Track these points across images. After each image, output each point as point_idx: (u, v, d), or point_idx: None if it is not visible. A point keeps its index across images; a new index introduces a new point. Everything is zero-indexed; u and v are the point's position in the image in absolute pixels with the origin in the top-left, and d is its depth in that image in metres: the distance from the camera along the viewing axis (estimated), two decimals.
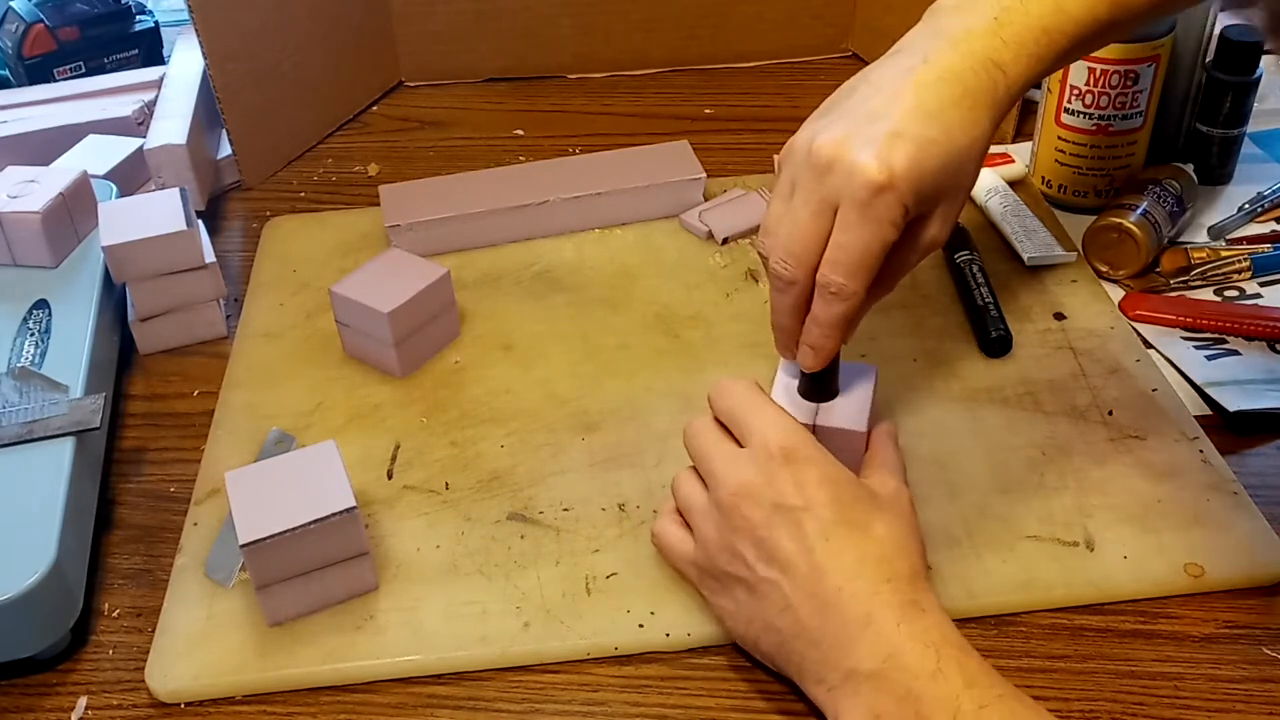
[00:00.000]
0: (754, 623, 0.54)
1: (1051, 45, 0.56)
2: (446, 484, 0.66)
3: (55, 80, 1.01)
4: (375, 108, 1.05)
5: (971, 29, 0.55)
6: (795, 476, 0.53)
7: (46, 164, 0.84)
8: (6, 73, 1.03)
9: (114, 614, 0.61)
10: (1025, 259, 0.79)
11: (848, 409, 0.60)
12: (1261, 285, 0.78)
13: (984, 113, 0.54)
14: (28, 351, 0.69)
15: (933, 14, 0.58)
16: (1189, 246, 0.79)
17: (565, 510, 0.64)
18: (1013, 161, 0.89)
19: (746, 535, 0.53)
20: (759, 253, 0.58)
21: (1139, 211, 0.79)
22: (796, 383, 0.60)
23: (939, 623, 0.50)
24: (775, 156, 0.60)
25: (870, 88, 0.55)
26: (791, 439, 0.54)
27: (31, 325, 0.71)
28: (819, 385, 0.59)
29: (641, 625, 0.58)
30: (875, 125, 0.53)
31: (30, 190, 0.76)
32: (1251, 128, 0.88)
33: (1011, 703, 0.47)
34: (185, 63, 0.97)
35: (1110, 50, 0.79)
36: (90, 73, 1.02)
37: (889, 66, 0.56)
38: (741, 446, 0.55)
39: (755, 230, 0.82)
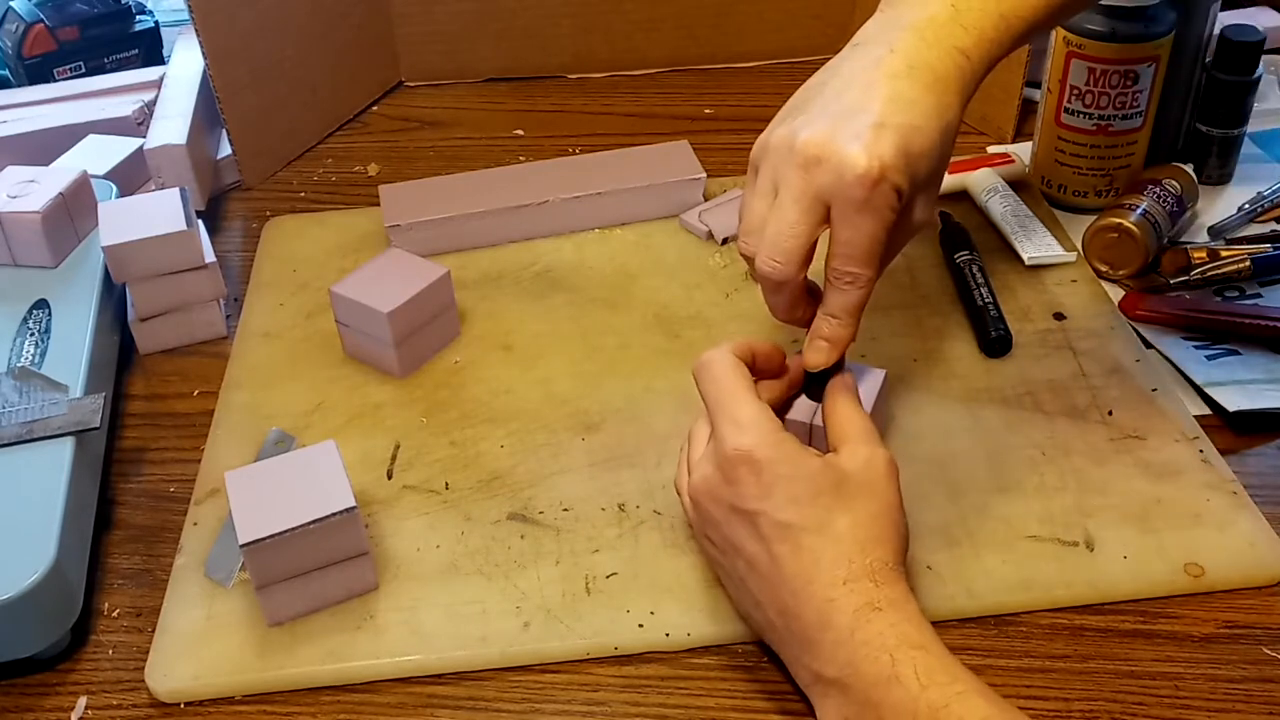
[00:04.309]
0: (741, 604, 0.56)
1: (1009, 30, 0.57)
2: (446, 484, 0.66)
3: (55, 80, 1.01)
4: (375, 108, 1.05)
5: (933, 17, 0.56)
6: (752, 477, 0.52)
7: (46, 164, 0.84)
8: (6, 73, 1.03)
9: (114, 614, 0.61)
10: (1025, 259, 0.79)
11: None
12: (1261, 285, 0.78)
13: (954, 97, 0.56)
14: (28, 351, 0.69)
15: (890, 4, 0.59)
16: (1189, 246, 0.79)
17: (565, 510, 0.64)
18: (1013, 161, 0.89)
19: (713, 529, 0.54)
20: (742, 254, 0.58)
21: (1139, 211, 0.79)
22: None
23: (895, 623, 0.49)
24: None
25: (842, 82, 0.56)
26: (748, 440, 0.52)
27: (31, 325, 0.71)
28: (825, 385, 0.59)
29: (641, 625, 0.58)
30: (857, 119, 0.53)
31: (30, 190, 0.76)
32: (1251, 128, 0.88)
33: (972, 698, 0.47)
34: (185, 63, 0.97)
35: (1110, 50, 0.79)
36: (90, 73, 1.02)
37: (856, 59, 0.57)
38: None
39: None
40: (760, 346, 0.58)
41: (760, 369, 0.58)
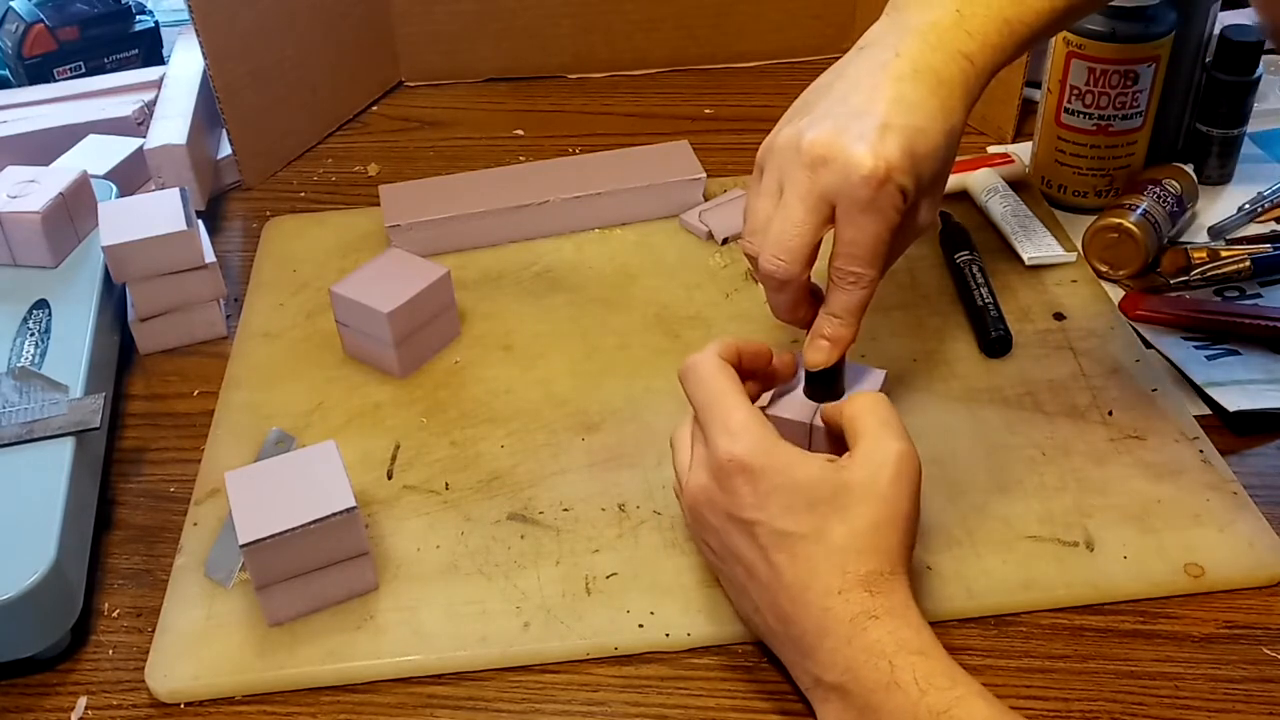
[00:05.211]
0: (741, 608, 0.55)
1: (1013, 35, 0.58)
2: (446, 484, 0.66)
3: (55, 80, 1.01)
4: (375, 108, 1.05)
5: (937, 22, 0.57)
6: (747, 486, 0.51)
7: (46, 164, 0.84)
8: (6, 73, 1.03)
9: (114, 614, 0.61)
10: (1025, 259, 0.79)
11: None
12: (1261, 285, 0.78)
13: (958, 101, 0.56)
14: (28, 351, 0.69)
15: (896, 8, 0.59)
16: (1189, 246, 0.79)
17: (565, 510, 0.64)
18: (1013, 161, 0.89)
19: (711, 535, 0.54)
20: (746, 254, 0.58)
21: (1139, 211, 0.79)
22: (801, 385, 0.60)
23: (894, 630, 0.49)
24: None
25: (848, 84, 0.56)
26: (740, 447, 0.52)
27: (31, 325, 0.71)
28: (825, 385, 0.59)
29: (641, 625, 0.58)
30: (863, 120, 0.54)
31: (30, 190, 0.76)
32: (1251, 128, 0.88)
33: (972, 702, 0.47)
34: (185, 63, 0.97)
35: (1110, 50, 0.79)
36: (90, 73, 1.02)
37: (862, 62, 0.57)
38: None
39: None
40: (747, 346, 0.57)
41: (747, 368, 0.57)
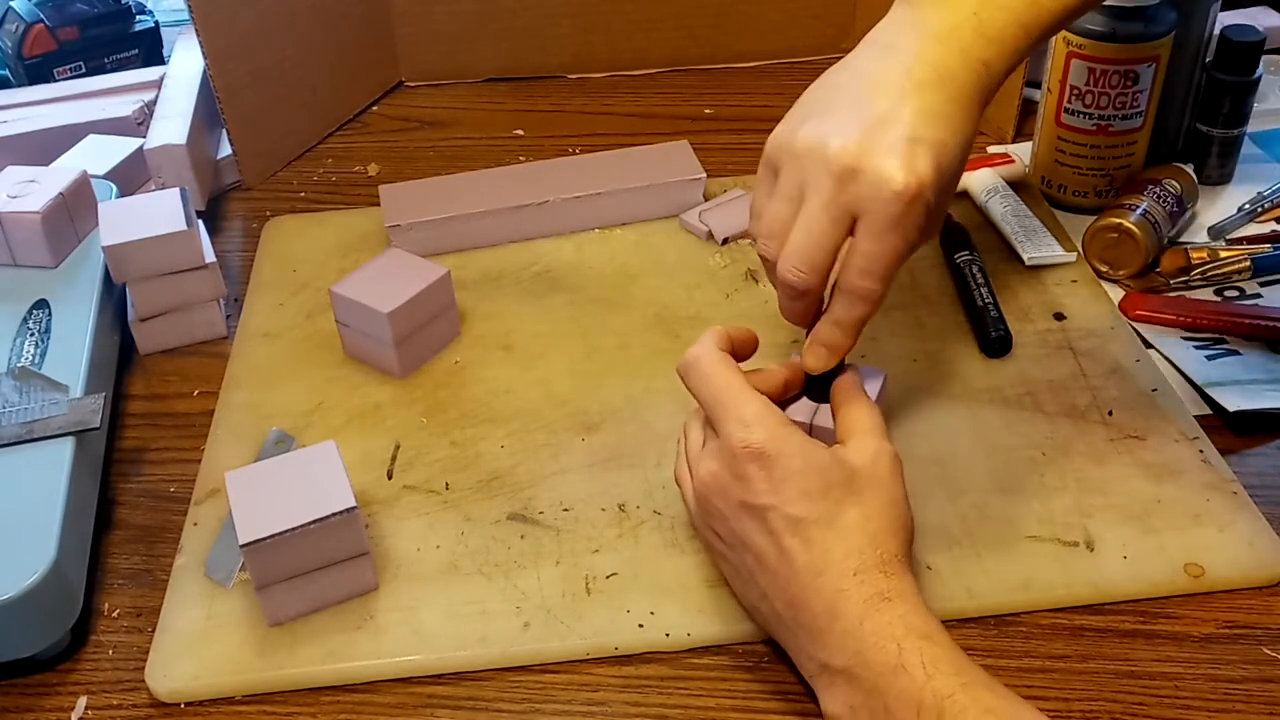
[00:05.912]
0: (746, 597, 0.56)
1: (1027, 38, 0.57)
2: (446, 484, 0.66)
3: (55, 80, 1.01)
4: (375, 108, 1.05)
5: (956, 26, 0.56)
6: (762, 473, 0.52)
7: (46, 164, 0.84)
8: (6, 73, 1.03)
9: (114, 614, 0.61)
10: (1025, 259, 0.79)
11: None
12: (1261, 285, 0.78)
13: (975, 109, 0.56)
14: (28, 351, 0.69)
15: (909, 4, 0.58)
16: (1189, 246, 0.79)
17: (565, 510, 0.64)
18: (1013, 161, 0.89)
19: (719, 523, 0.54)
20: (761, 255, 0.58)
21: (1139, 211, 0.79)
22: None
23: (904, 614, 0.49)
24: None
25: (868, 86, 0.55)
26: (756, 436, 0.52)
27: (31, 325, 0.71)
28: (824, 386, 0.59)
29: (641, 625, 0.58)
30: (890, 130, 0.53)
31: (30, 190, 0.76)
32: (1251, 128, 0.88)
33: (977, 690, 0.47)
34: (185, 63, 0.97)
35: (1110, 50, 0.79)
36: (90, 73, 1.02)
37: (879, 62, 0.56)
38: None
39: None
40: (736, 334, 0.58)
41: (739, 355, 0.58)
